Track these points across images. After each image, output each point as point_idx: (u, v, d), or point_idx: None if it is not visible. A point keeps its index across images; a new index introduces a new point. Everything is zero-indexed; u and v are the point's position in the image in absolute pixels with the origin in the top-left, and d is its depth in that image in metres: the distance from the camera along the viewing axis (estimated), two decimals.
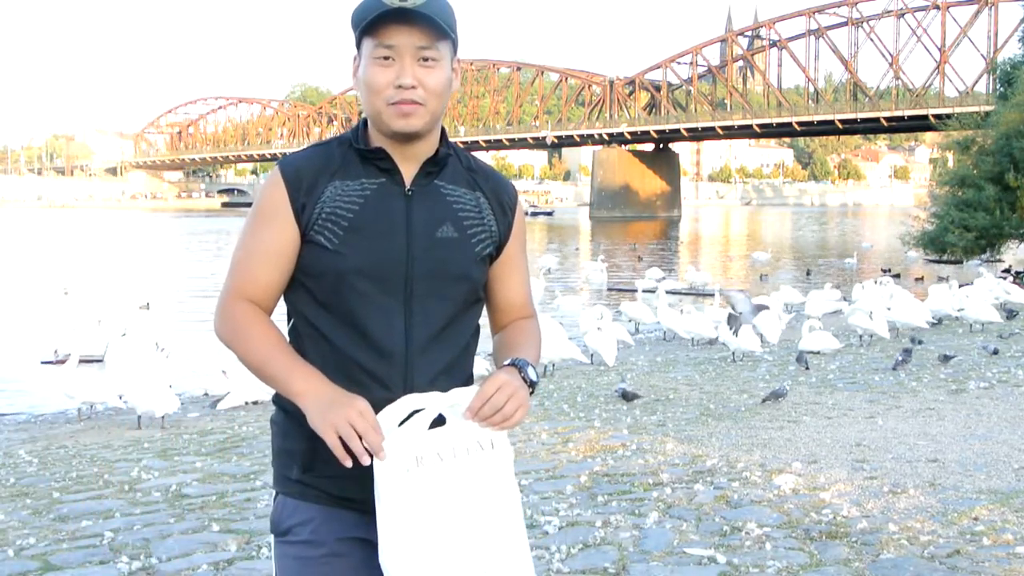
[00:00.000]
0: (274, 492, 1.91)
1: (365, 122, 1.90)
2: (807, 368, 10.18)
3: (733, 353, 11.67)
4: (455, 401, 1.76)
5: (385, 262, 1.81)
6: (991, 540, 4.34)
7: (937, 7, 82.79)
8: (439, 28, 1.81)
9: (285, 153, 2.18)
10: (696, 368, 11.00)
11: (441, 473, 1.70)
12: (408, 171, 1.87)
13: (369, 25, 1.79)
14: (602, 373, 10.85)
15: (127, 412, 9.24)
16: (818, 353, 11.38)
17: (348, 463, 1.66)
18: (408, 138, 1.84)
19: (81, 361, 11.09)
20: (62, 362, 10.15)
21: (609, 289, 23.87)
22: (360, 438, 1.66)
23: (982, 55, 78.43)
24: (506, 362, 1.89)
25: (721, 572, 4.05)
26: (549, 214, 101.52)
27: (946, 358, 10.16)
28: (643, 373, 10.60)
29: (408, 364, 1.82)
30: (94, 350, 12.25)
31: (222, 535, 4.65)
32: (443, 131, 1.92)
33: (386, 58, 1.81)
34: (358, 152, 1.86)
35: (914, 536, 4.42)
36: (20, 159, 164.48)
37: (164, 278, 27.38)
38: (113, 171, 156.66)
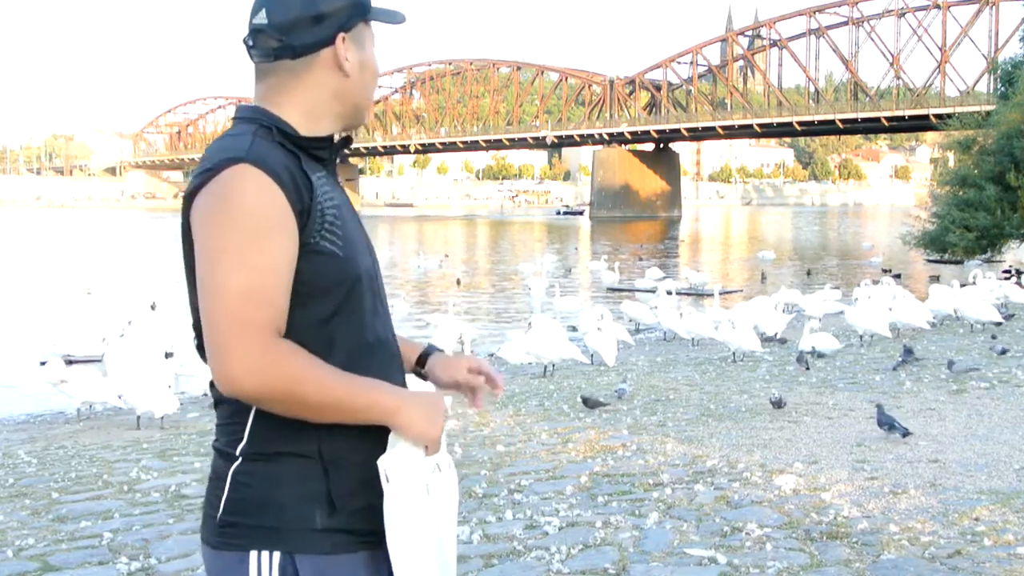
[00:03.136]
0: (259, 554, 1.57)
1: (253, 106, 1.69)
2: (807, 368, 10.17)
3: (734, 353, 11.66)
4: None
5: (370, 260, 1.72)
6: (992, 541, 4.33)
7: (938, 6, 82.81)
8: None
9: None
10: (696, 368, 10.99)
11: (439, 492, 1.67)
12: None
13: (370, 9, 1.73)
14: (602, 373, 10.83)
15: (126, 412, 9.23)
16: (819, 353, 11.36)
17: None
18: None
19: (72, 361, 11.09)
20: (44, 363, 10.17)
21: (609, 289, 23.86)
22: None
23: (983, 55, 78.49)
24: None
25: (721, 572, 4.04)
26: (580, 213, 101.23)
27: (908, 351, 10.08)
28: (643, 373, 10.59)
29: (400, 358, 1.78)
30: (94, 350, 12.24)
31: None
32: None
33: None
34: (295, 141, 1.64)
35: (915, 537, 4.41)
36: (19, 159, 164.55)
37: (167, 278, 27.36)
38: (112, 171, 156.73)
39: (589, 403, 8.15)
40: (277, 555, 1.56)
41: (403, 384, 1.73)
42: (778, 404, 7.69)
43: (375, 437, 1.61)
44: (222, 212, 1.52)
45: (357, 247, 1.65)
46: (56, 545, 4.64)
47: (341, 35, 1.66)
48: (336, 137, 1.73)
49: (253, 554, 1.57)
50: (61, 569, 4.29)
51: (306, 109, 1.67)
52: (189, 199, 1.58)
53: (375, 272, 1.71)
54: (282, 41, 1.64)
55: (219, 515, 1.59)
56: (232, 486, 1.59)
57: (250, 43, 1.67)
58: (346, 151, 1.81)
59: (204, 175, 1.55)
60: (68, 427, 9.06)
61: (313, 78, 1.66)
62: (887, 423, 6.53)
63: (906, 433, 6.47)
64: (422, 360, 1.91)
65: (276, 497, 1.56)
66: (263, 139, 1.60)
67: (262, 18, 1.64)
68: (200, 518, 1.69)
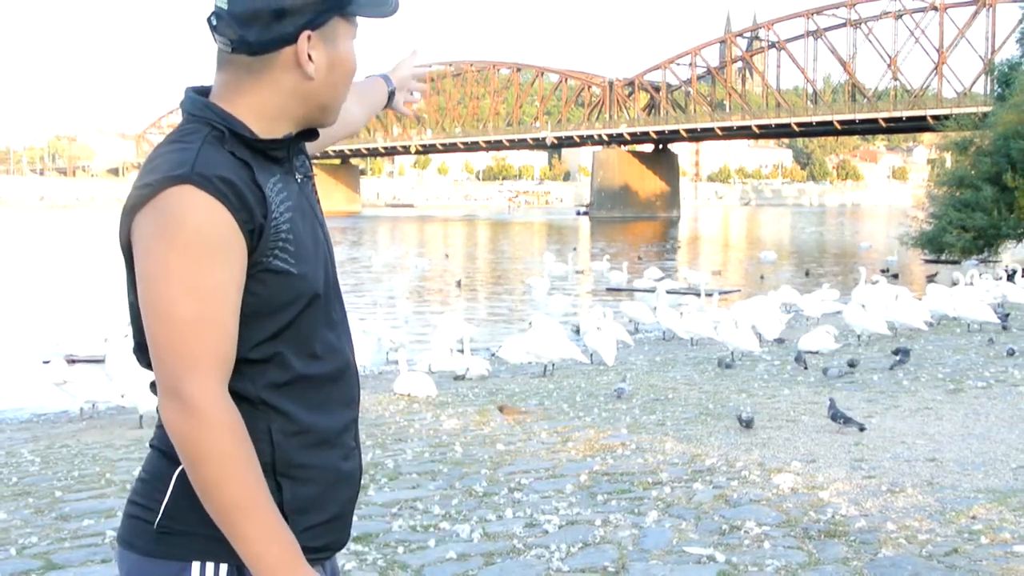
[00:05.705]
0: (203, 565, 1.47)
1: (205, 102, 1.53)
2: (806, 368, 10.20)
3: (732, 353, 11.69)
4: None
5: (325, 270, 1.58)
6: (989, 539, 4.36)
7: (935, 8, 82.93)
8: None
9: None
10: (695, 368, 11.02)
11: None
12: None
13: (351, 1, 1.53)
14: (602, 373, 10.86)
15: (129, 412, 9.26)
16: (817, 353, 11.40)
17: None
18: None
19: (75, 361, 11.13)
20: (48, 362, 10.21)
21: (608, 289, 23.90)
22: None
23: (980, 56, 78.55)
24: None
25: (720, 571, 4.07)
26: (587, 213, 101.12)
27: (904, 352, 10.11)
28: (642, 372, 10.62)
29: (355, 369, 1.64)
30: (96, 350, 12.27)
31: None
32: None
33: None
34: (246, 143, 1.51)
35: (912, 535, 4.44)
36: (22, 159, 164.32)
37: None
38: (115, 172, 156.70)
39: (504, 411, 7.74)
40: (224, 567, 1.47)
41: (351, 399, 1.62)
42: (748, 424, 6.84)
43: (333, 453, 1.56)
44: (165, 236, 1.40)
45: (311, 259, 1.52)
46: (59, 543, 4.67)
47: (306, 33, 1.49)
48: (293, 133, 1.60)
49: (196, 564, 1.48)
50: (64, 567, 4.31)
51: (263, 110, 1.52)
52: (129, 214, 1.45)
53: (332, 279, 1.60)
54: (240, 35, 1.48)
55: (157, 520, 1.48)
56: (177, 490, 1.47)
57: (213, 23, 1.50)
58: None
59: (144, 191, 1.43)
60: (71, 426, 9.08)
61: (272, 78, 1.51)
62: (841, 417, 6.69)
63: (862, 428, 6.64)
64: (391, 95, 2.18)
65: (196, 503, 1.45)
66: (211, 147, 1.46)
67: (223, 1, 1.49)
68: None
